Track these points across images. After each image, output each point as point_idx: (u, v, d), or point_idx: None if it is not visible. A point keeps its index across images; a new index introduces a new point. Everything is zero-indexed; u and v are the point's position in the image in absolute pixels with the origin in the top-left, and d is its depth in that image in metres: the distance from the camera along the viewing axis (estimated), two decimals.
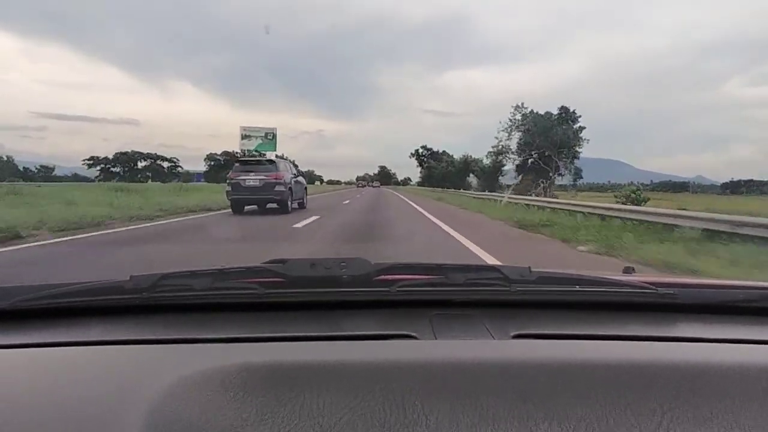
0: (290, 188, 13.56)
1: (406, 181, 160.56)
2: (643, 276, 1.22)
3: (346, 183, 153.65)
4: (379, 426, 0.56)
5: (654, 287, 0.99)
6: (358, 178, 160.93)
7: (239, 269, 1.01)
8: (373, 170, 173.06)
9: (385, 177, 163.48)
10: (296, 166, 18.60)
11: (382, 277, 0.97)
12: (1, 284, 1.02)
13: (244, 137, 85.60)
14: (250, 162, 13.77)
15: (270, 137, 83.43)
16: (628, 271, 1.34)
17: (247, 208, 13.63)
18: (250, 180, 12.95)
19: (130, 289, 0.94)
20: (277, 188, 12.94)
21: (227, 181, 13.32)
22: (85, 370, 0.75)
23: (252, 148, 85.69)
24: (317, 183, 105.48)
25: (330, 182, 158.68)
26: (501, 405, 0.59)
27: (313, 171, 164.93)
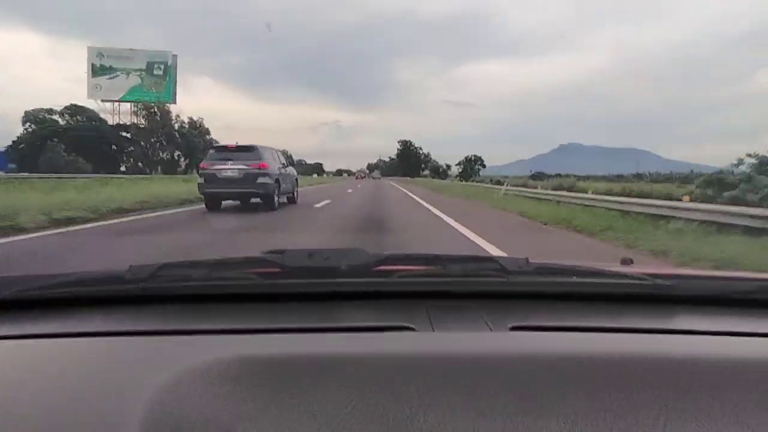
0: (277, 180, 12.27)
1: (471, 169, 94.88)
2: (641, 267, 1.22)
3: (348, 174, 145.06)
4: (376, 418, 0.57)
5: (651, 278, 1.02)
6: (368, 165, 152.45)
7: (237, 259, 1.05)
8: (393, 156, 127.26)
9: (407, 162, 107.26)
10: (289, 156, 17.01)
11: (380, 267, 1.00)
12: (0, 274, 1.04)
13: (97, 70, 42.24)
14: (227, 149, 12.30)
15: (159, 69, 42.11)
16: (626, 262, 1.36)
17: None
18: (227, 170, 11.64)
19: (129, 279, 0.97)
20: (260, 180, 11.66)
21: (199, 171, 11.89)
22: (83, 361, 0.78)
23: (119, 95, 42.29)
24: (314, 175, 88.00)
25: (338, 172, 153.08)
26: (499, 398, 0.61)
27: (321, 164, 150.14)
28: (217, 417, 0.58)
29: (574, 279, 1.03)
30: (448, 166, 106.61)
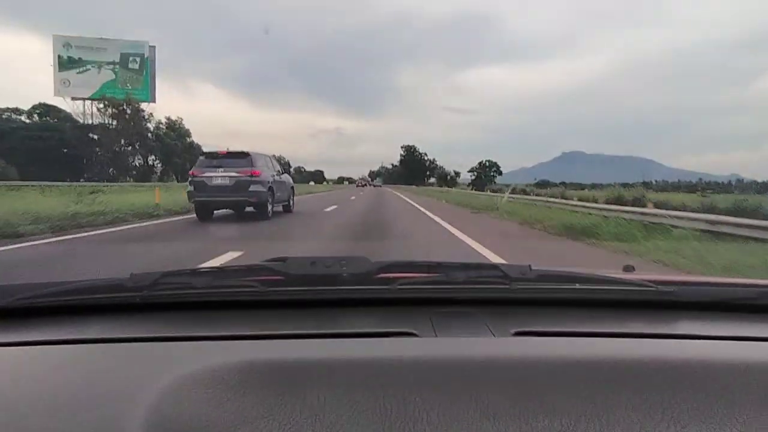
0: (270, 188, 11.71)
1: (485, 176, 79.66)
2: (643, 274, 1.25)
3: (349, 182, 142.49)
4: (379, 423, 0.58)
5: (653, 285, 1.02)
6: (370, 173, 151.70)
7: (240, 267, 1.06)
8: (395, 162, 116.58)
9: (411, 169, 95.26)
10: (285, 163, 16.28)
11: (383, 275, 1.00)
12: (2, 282, 1.06)
13: (64, 63, 37.32)
14: (218, 155, 11.68)
15: (135, 63, 36.51)
16: (628, 269, 1.37)
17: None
18: (218, 177, 11.12)
19: (131, 287, 0.97)
20: (253, 188, 11.11)
21: (189, 179, 11.28)
22: (85, 368, 0.78)
23: (91, 93, 37.10)
24: (312, 183, 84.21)
25: (339, 180, 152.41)
26: (501, 401, 0.62)
27: (321, 171, 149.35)
28: (219, 421, 0.58)
29: (576, 286, 1.03)
30: (457, 173, 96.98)
